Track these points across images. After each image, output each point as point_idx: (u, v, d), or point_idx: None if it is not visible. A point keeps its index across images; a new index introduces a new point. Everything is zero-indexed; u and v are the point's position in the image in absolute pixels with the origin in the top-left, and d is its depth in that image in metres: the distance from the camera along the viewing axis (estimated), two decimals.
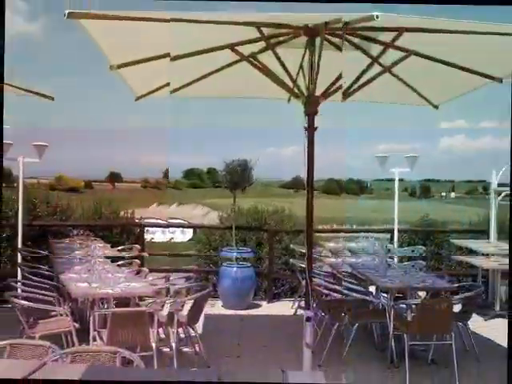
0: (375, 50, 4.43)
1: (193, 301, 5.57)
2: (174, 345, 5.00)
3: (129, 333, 4.68)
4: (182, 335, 5.69)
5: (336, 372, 5.22)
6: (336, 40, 4.35)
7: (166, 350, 5.33)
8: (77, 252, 6.32)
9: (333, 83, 4.30)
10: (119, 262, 7.04)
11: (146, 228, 10.03)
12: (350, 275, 6.82)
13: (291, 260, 8.36)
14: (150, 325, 4.81)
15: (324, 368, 5.18)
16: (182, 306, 5.69)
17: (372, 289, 6.52)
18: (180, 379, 2.76)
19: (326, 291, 5.96)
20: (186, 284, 6.10)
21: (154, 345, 4.78)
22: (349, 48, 4.44)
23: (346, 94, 4.35)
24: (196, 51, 4.42)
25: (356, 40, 4.41)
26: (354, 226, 24.82)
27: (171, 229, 23.64)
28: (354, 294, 5.98)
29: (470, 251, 8.77)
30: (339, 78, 4.25)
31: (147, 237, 10.34)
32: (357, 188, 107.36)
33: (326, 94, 4.32)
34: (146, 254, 7.24)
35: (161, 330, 5.48)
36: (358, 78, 4.29)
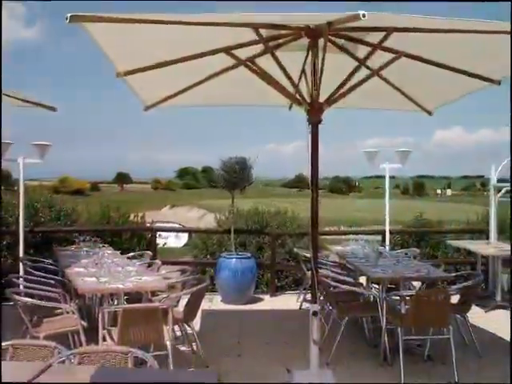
0: (362, 51, 4.21)
1: (189, 296, 5.43)
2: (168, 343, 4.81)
3: (141, 331, 4.50)
4: (178, 333, 5.59)
5: (345, 370, 5.12)
6: (340, 41, 4.18)
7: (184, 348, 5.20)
8: (83, 261, 6.12)
9: (338, 88, 4.03)
10: (129, 254, 6.92)
11: (158, 232, 9.58)
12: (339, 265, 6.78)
13: (295, 249, 8.22)
14: (164, 322, 4.63)
15: (332, 366, 5.02)
16: (178, 301, 5.60)
17: (362, 280, 6.38)
18: (177, 381, 2.68)
19: (333, 283, 5.77)
20: (182, 278, 5.94)
21: (168, 343, 4.62)
22: (334, 50, 4.25)
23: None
24: (190, 55, 4.25)
25: (342, 41, 4.23)
26: (342, 227, 24.96)
27: (164, 233, 23.20)
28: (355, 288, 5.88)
29: (469, 253, 8.63)
30: (343, 83, 4.02)
31: (159, 242, 9.87)
32: (345, 186, 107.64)
33: (331, 101, 4.04)
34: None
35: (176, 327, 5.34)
36: (344, 82, 4.05)
